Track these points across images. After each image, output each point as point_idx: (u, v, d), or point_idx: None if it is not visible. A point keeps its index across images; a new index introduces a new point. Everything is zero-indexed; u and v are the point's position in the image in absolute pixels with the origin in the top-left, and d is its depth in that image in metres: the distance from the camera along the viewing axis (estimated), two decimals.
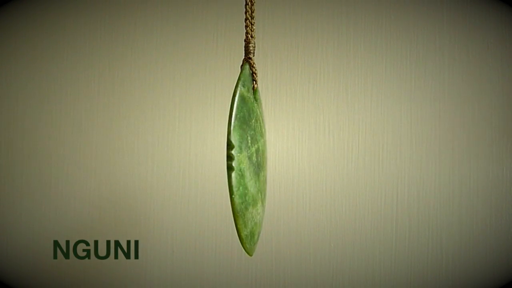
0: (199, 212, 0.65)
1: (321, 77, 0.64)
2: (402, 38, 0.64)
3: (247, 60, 0.40)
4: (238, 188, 0.36)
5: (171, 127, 0.66)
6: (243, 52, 0.39)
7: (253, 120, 0.39)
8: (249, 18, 0.41)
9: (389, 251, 0.63)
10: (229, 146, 0.36)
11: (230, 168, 0.35)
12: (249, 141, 0.38)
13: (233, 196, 0.36)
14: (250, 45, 0.40)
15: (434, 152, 0.63)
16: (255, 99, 0.40)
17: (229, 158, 0.36)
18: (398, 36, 0.64)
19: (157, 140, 0.66)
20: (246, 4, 0.40)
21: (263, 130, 0.41)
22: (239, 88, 0.37)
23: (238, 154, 0.36)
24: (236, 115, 0.36)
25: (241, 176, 0.36)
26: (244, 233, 0.37)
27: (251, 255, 0.39)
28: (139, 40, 0.67)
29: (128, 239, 0.66)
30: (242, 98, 0.38)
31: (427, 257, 0.63)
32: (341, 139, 0.64)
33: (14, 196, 0.67)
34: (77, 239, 0.66)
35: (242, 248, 0.38)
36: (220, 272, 0.65)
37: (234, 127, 0.36)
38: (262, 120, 0.41)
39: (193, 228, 0.65)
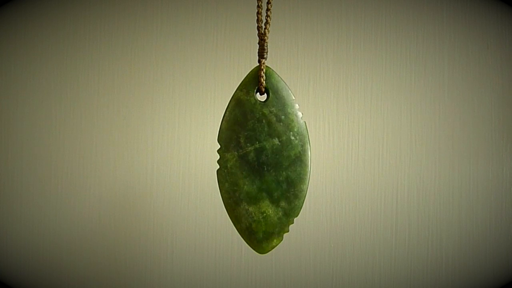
0: (199, 212, 0.65)
1: (321, 77, 0.64)
2: (402, 37, 0.64)
3: (258, 63, 0.42)
4: (224, 184, 0.42)
5: (171, 127, 0.66)
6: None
7: (252, 121, 0.41)
8: (263, 19, 0.42)
9: (389, 251, 0.63)
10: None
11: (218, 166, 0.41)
12: (242, 141, 0.41)
13: (220, 191, 0.42)
14: (260, 47, 0.42)
15: (434, 152, 0.63)
16: (266, 100, 0.42)
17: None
18: (398, 35, 0.64)
19: (157, 140, 0.66)
20: (259, 6, 0.41)
21: (280, 130, 0.42)
22: (235, 92, 0.42)
23: (224, 153, 0.42)
24: (225, 117, 0.42)
25: (228, 173, 0.42)
26: (238, 227, 0.41)
27: (259, 252, 0.42)
28: (139, 40, 0.67)
29: (128, 238, 0.66)
30: (237, 101, 0.42)
31: (427, 257, 0.63)
32: (341, 139, 0.64)
33: (14, 196, 0.67)
34: (77, 238, 0.66)
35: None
36: (220, 272, 0.65)
37: (221, 128, 0.42)
38: (281, 120, 0.42)
39: (193, 228, 0.65)
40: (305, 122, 0.42)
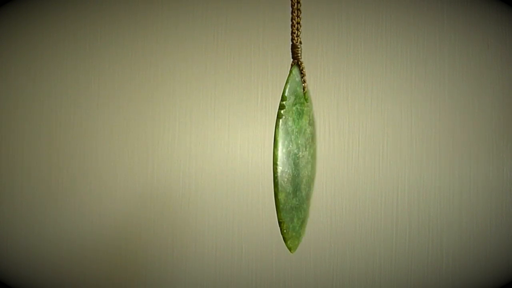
0: (199, 212, 0.65)
1: (321, 77, 0.64)
2: (402, 38, 0.64)
3: (297, 63, 0.41)
4: None
5: (172, 128, 0.66)
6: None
7: None
8: (295, 20, 0.41)
9: (389, 251, 0.63)
10: None
11: None
12: None
13: None
14: (297, 49, 0.41)
15: (434, 152, 0.63)
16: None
17: None
18: (398, 36, 0.64)
19: (158, 140, 0.66)
20: (293, 6, 0.40)
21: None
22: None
23: None
24: None
25: None
26: None
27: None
28: (139, 40, 0.67)
29: (128, 238, 0.66)
30: None
31: (427, 257, 0.63)
32: (341, 139, 0.64)
33: (15, 197, 0.67)
34: (77, 238, 0.66)
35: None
36: (220, 272, 0.65)
37: None
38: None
39: (193, 228, 0.65)
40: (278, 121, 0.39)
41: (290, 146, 0.39)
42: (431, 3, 0.64)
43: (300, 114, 0.40)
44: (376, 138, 0.63)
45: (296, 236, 0.40)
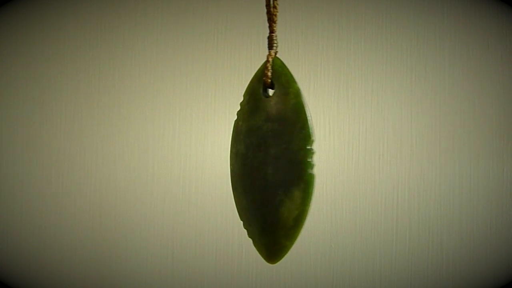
0: (199, 214, 0.65)
1: (321, 77, 0.64)
2: (402, 37, 0.64)
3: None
4: None
5: (172, 128, 0.66)
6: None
7: None
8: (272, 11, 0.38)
9: (389, 251, 0.63)
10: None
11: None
12: None
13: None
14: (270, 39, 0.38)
15: (434, 152, 0.63)
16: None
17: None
18: (398, 35, 0.64)
19: (157, 140, 0.66)
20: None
21: None
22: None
23: None
24: None
25: None
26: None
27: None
28: (139, 39, 0.67)
29: (128, 238, 0.66)
30: None
31: (427, 257, 0.63)
32: (341, 139, 0.64)
33: (14, 196, 0.67)
34: (77, 239, 0.66)
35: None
36: (220, 274, 0.65)
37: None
38: None
39: (193, 230, 0.65)
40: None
41: (238, 146, 0.37)
42: (432, 3, 0.64)
43: (252, 111, 0.37)
44: (376, 138, 0.63)
45: (256, 244, 0.37)
